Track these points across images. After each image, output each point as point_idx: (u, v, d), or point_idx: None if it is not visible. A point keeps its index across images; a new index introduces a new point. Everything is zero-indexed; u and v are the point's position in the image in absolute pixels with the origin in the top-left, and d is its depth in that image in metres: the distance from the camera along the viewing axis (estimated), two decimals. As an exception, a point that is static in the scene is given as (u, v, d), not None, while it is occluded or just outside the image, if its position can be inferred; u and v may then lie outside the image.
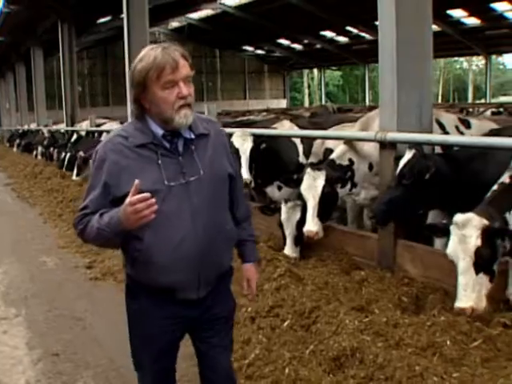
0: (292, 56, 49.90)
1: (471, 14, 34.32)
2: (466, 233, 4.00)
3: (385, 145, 5.46)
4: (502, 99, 50.40)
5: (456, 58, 65.59)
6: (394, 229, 5.42)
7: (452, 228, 4.07)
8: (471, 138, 5.56)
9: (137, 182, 2.31)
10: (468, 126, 6.51)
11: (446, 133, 6.19)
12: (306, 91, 63.52)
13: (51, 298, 6.09)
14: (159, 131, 2.55)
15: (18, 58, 31.79)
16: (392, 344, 3.78)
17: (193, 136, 2.60)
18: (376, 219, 5.07)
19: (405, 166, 4.85)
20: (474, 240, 3.96)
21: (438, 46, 34.05)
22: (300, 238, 6.04)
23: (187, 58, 2.54)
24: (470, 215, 4.02)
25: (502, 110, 17.59)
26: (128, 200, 2.32)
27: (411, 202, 4.90)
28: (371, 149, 5.85)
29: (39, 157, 19.43)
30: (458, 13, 34.50)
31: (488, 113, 18.15)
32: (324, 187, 5.66)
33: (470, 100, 52.02)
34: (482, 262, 3.99)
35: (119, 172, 2.50)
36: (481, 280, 4.04)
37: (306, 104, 55.76)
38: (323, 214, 5.77)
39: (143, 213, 2.31)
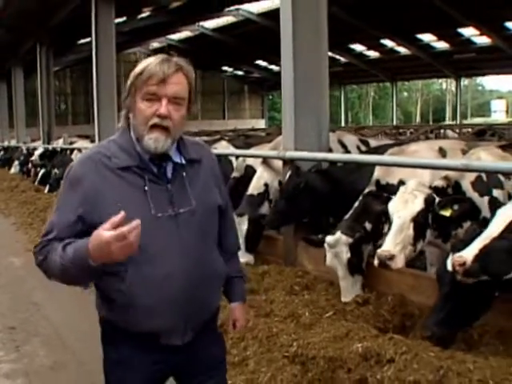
0: (270, 77, 51.31)
1: (440, 38, 35.73)
2: (337, 250, 5.35)
3: (286, 162, 6.65)
4: (476, 120, 52.06)
5: (435, 80, 67.33)
6: (295, 232, 6.65)
7: (325, 246, 5.38)
8: (343, 155, 6.87)
9: (123, 214, 1.96)
10: (367, 145, 7.79)
11: (348, 151, 7.48)
12: (286, 111, 64.83)
13: (14, 289, 7.25)
14: (145, 155, 2.27)
15: (0, 76, 32.65)
16: (262, 314, 4.98)
17: (183, 161, 2.35)
18: (268, 225, 6.28)
19: (285, 182, 6.10)
20: (345, 254, 5.32)
21: (410, 68, 35.29)
22: (253, 246, 6.91)
23: (189, 77, 2.28)
24: (337, 236, 5.32)
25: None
26: (108, 233, 1.95)
27: (293, 212, 6.11)
28: (281, 166, 7.05)
29: (16, 171, 20.56)
30: (427, 37, 35.88)
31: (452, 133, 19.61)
32: (248, 230, 6.69)
33: (447, 120, 53.63)
34: (354, 267, 5.36)
35: (97, 197, 2.18)
36: (357, 278, 5.45)
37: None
38: (251, 247, 6.85)
39: (131, 247, 1.98)
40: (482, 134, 16.47)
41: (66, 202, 2.27)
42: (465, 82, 57.38)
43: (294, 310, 5.04)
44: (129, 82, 2.26)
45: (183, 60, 2.28)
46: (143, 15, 29.52)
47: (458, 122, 38.55)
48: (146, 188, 2.22)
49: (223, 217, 2.57)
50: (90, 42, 14.49)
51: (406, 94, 73.70)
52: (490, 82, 72.78)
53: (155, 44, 46.91)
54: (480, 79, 71.97)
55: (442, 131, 20.43)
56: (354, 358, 3.86)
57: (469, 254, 3.63)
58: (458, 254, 3.68)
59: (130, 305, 2.23)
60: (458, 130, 20.02)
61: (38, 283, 7.47)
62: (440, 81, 69.21)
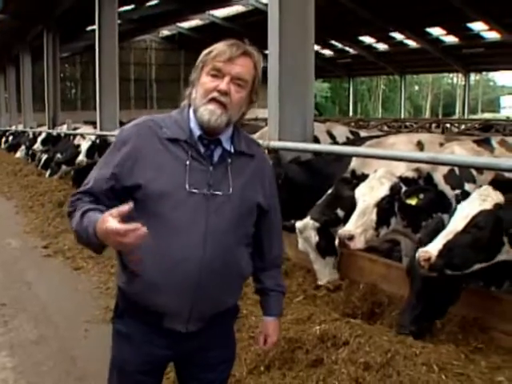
0: (279, 67, 51.21)
1: (449, 33, 35.67)
2: (306, 235, 5.57)
3: (270, 151, 6.82)
4: (484, 116, 51.67)
5: (446, 74, 67.02)
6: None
7: (297, 231, 5.61)
8: (322, 145, 7.08)
9: (131, 205, 1.98)
10: (358, 136, 7.99)
11: (336, 142, 7.70)
12: (295, 101, 64.71)
13: (8, 268, 7.56)
14: (197, 131, 2.29)
15: (9, 62, 32.88)
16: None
17: (232, 150, 2.34)
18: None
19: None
20: (314, 238, 5.56)
21: (419, 61, 35.20)
22: None
23: (256, 64, 2.31)
24: (305, 221, 5.54)
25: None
26: (110, 224, 1.94)
27: None
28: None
29: (21, 156, 20.80)
30: (436, 31, 35.82)
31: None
32: None
33: (457, 115, 53.49)
34: (324, 250, 5.59)
35: (136, 159, 2.23)
36: (328, 260, 5.68)
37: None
38: None
39: (126, 246, 1.98)
40: (487, 130, 16.58)
41: (108, 159, 2.32)
42: (476, 77, 57.00)
43: (266, 294, 5.28)
44: (200, 59, 2.31)
45: (254, 48, 2.33)
46: (152, 3, 29.62)
47: (463, 117, 38.57)
48: (187, 163, 2.23)
49: (264, 219, 2.49)
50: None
51: (416, 87, 73.43)
52: (502, 77, 72.16)
53: (165, 32, 47.04)
54: (492, 74, 71.54)
55: (448, 126, 20.51)
56: (312, 340, 4.10)
57: (433, 249, 3.80)
58: (423, 249, 3.85)
59: (137, 275, 2.23)
60: (456, 125, 20.07)
61: (31, 264, 7.79)
62: (451, 75, 68.82)
